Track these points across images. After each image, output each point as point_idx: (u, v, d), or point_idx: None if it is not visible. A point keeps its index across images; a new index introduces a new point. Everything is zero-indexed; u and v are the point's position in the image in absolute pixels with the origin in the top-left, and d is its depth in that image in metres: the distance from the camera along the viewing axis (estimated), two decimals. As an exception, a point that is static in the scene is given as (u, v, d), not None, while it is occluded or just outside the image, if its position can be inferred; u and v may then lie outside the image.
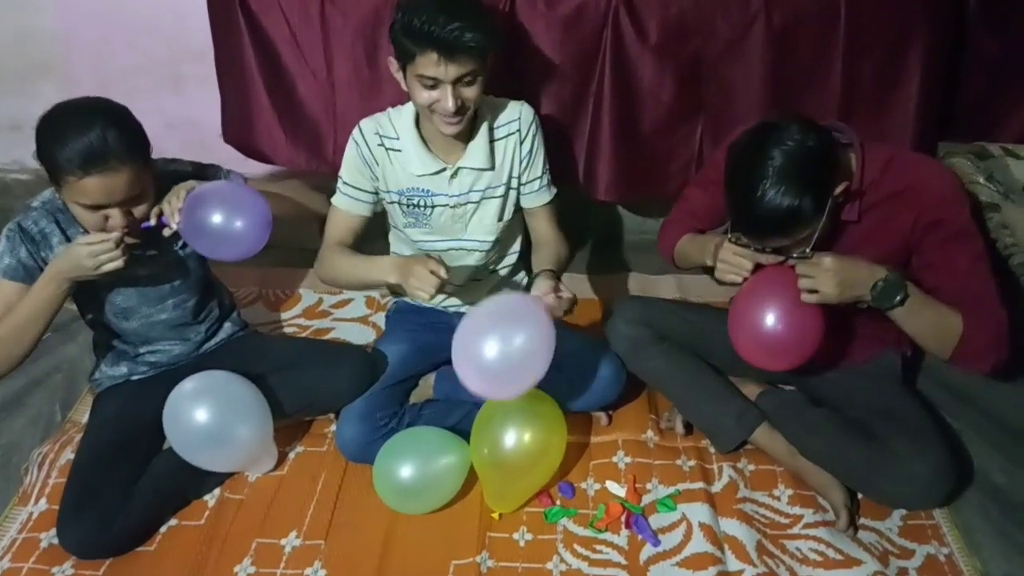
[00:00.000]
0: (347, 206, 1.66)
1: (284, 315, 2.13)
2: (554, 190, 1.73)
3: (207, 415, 1.47)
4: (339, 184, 1.66)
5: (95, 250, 1.34)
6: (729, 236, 1.43)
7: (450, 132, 1.52)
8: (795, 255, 1.38)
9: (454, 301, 1.80)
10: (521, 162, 1.65)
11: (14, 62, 2.29)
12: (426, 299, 1.45)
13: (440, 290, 1.44)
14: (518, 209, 1.73)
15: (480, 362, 1.35)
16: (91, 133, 1.29)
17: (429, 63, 1.41)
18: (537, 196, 1.70)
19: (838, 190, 1.34)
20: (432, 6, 1.38)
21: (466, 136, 1.60)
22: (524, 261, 1.85)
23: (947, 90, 1.98)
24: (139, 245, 1.49)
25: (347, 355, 1.72)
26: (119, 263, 1.37)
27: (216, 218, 1.42)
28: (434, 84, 1.44)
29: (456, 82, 1.43)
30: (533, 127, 1.64)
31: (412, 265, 1.46)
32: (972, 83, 2.00)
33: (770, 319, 1.40)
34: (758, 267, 1.42)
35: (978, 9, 1.91)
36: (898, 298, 1.37)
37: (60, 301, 1.42)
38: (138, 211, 1.40)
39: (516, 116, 1.63)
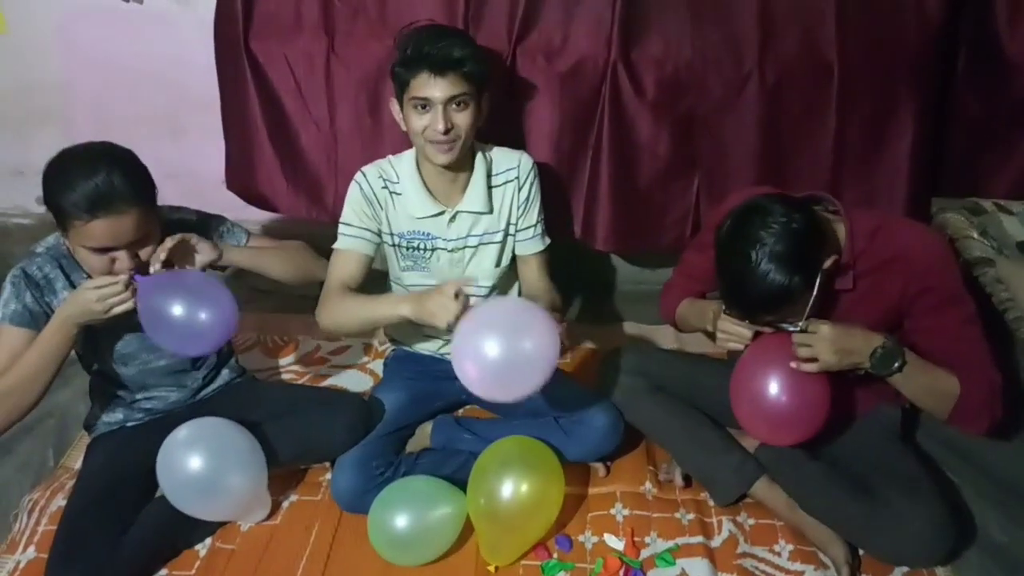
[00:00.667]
0: (350, 246, 1.65)
1: (281, 361, 2.12)
2: (547, 240, 1.75)
3: (200, 463, 1.46)
4: (340, 229, 1.67)
5: (104, 293, 1.35)
6: (724, 310, 1.46)
7: (442, 161, 1.55)
8: (790, 327, 1.40)
9: (448, 347, 1.79)
10: (518, 208, 1.68)
11: (17, 110, 2.33)
12: (443, 325, 1.40)
13: (460, 314, 1.38)
14: (515, 256, 1.75)
15: (482, 352, 1.32)
16: (97, 177, 1.30)
17: (421, 84, 1.48)
18: (530, 244, 1.73)
19: (827, 264, 1.35)
20: (425, 32, 1.51)
21: (464, 180, 1.63)
22: None
23: (936, 146, 2.03)
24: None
25: (343, 403, 1.71)
26: (129, 304, 1.37)
27: (177, 309, 1.38)
28: (426, 105, 1.49)
29: (447, 103, 1.48)
30: (531, 175, 1.68)
31: (430, 293, 1.44)
32: (959, 141, 2.05)
33: (773, 389, 1.43)
34: (758, 333, 1.45)
35: (965, 71, 1.97)
36: (896, 365, 1.39)
37: (69, 347, 1.42)
38: (144, 253, 1.41)
39: (515, 164, 1.67)
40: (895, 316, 1.47)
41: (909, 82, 1.88)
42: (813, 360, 1.38)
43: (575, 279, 2.18)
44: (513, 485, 1.46)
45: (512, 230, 1.70)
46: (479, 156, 1.64)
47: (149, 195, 1.39)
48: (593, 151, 1.95)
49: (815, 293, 1.34)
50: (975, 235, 1.88)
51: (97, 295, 1.35)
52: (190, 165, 2.25)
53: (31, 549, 1.53)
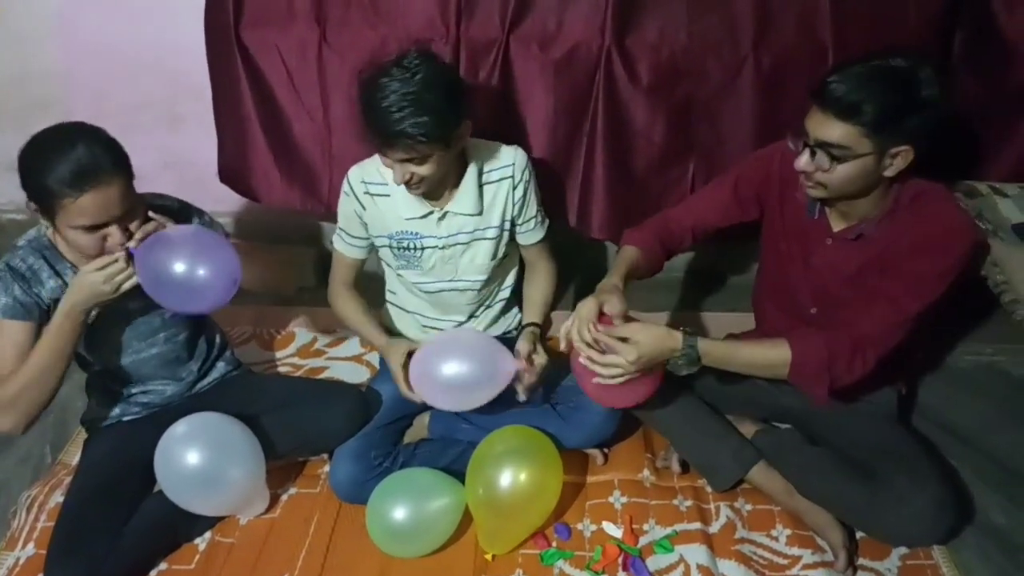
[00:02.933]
0: (343, 250, 1.72)
1: (278, 354, 2.12)
2: (547, 222, 1.76)
3: (198, 458, 1.46)
4: (337, 230, 1.71)
5: (110, 272, 1.35)
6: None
7: (415, 195, 1.56)
8: (817, 171, 1.34)
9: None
10: (515, 206, 1.67)
11: (14, 101, 2.31)
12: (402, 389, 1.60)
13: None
14: (511, 244, 1.74)
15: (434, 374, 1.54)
16: (77, 151, 1.28)
17: (377, 145, 1.46)
18: (532, 234, 1.74)
19: (897, 149, 1.31)
20: (384, 92, 1.38)
21: (454, 180, 1.61)
22: (516, 296, 1.86)
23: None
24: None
25: (341, 394, 1.71)
26: (135, 279, 1.37)
27: (178, 266, 1.38)
28: (387, 156, 1.47)
29: (403, 161, 1.45)
30: (526, 172, 1.66)
31: (397, 370, 1.61)
32: (956, 123, 2.04)
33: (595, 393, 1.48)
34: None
35: (962, 54, 1.95)
36: (684, 372, 1.42)
37: (78, 335, 1.41)
38: (132, 227, 1.38)
39: (510, 162, 1.64)
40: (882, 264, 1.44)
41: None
42: (615, 367, 1.38)
43: (571, 266, 2.17)
44: (511, 474, 1.46)
45: (507, 226, 1.69)
46: (470, 154, 1.62)
47: (127, 165, 1.37)
48: (588, 138, 1.94)
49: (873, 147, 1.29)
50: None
51: (103, 276, 1.35)
52: (188, 154, 2.23)
53: (30, 546, 1.54)
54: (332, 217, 1.74)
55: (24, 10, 2.17)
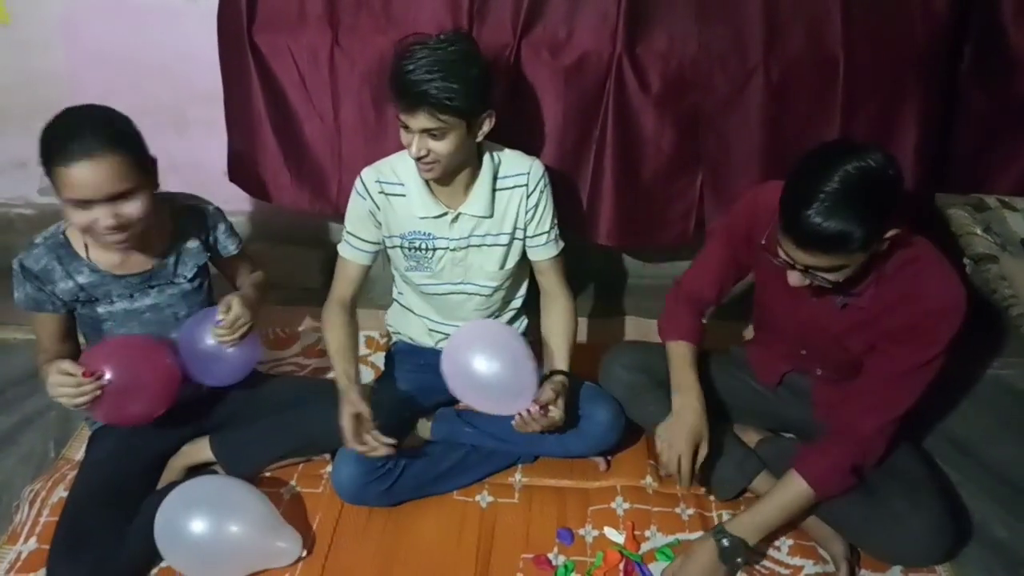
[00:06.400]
0: (350, 255, 1.69)
1: (283, 353, 2.13)
2: (561, 244, 1.74)
3: (199, 529, 1.40)
4: (344, 234, 1.70)
5: (67, 392, 1.33)
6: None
7: (426, 177, 1.56)
8: (816, 283, 1.32)
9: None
10: (527, 214, 1.66)
11: (21, 102, 2.32)
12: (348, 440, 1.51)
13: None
14: (524, 259, 1.74)
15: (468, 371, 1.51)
16: (78, 122, 1.33)
17: (401, 108, 1.46)
18: (544, 250, 1.71)
19: (890, 233, 1.26)
20: (414, 57, 1.41)
21: (468, 182, 1.62)
22: (526, 307, 1.85)
23: (941, 143, 2.02)
24: (145, 275, 1.51)
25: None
26: (74, 403, 1.34)
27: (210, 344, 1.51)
28: (407, 128, 1.47)
29: (421, 132, 1.45)
30: (542, 183, 1.66)
31: (346, 424, 1.51)
32: (965, 137, 2.04)
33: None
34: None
35: (971, 66, 1.96)
36: (744, 561, 1.45)
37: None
38: (127, 209, 1.36)
39: (525, 170, 1.64)
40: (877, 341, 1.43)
41: (915, 77, 1.87)
42: None
43: (577, 273, 2.18)
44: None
45: (519, 235, 1.69)
46: (486, 157, 1.62)
47: (130, 145, 1.36)
48: (597, 145, 1.94)
49: (862, 258, 1.26)
50: (979, 231, 1.86)
51: (58, 389, 1.33)
52: (193, 158, 2.24)
53: (32, 540, 1.54)
54: (339, 218, 1.74)
55: (31, 15, 2.20)
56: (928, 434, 1.80)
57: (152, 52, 2.18)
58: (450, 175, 1.58)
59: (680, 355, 1.58)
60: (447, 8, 1.86)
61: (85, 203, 1.32)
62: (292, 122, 2.00)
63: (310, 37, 1.92)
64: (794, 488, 1.43)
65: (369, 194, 1.63)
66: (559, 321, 1.71)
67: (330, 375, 2.00)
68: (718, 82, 1.88)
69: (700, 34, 1.85)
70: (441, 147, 1.47)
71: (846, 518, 1.50)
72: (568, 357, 1.67)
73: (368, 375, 2.03)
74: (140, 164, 1.37)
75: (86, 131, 1.30)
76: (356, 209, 1.66)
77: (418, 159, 1.49)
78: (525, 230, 1.68)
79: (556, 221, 1.71)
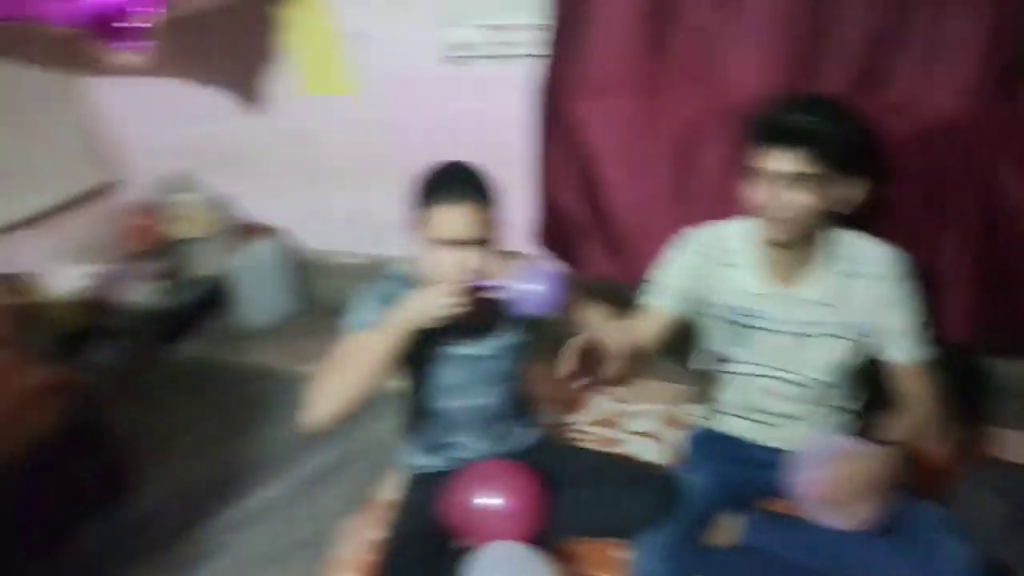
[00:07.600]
0: (658, 303, 1.60)
1: (574, 419, 2.09)
2: (926, 351, 1.51)
3: None
4: (650, 285, 1.63)
5: (444, 296, 1.38)
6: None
7: (773, 236, 1.44)
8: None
9: (766, 433, 1.64)
10: (876, 307, 1.48)
11: (358, 162, 2.63)
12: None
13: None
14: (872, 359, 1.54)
15: None
16: (455, 171, 1.46)
17: (771, 155, 1.37)
18: (898, 352, 1.50)
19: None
20: (793, 99, 1.39)
21: (807, 261, 1.48)
22: (858, 409, 1.65)
23: None
24: (486, 325, 1.55)
25: (650, 479, 1.62)
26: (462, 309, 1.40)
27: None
28: (773, 179, 1.37)
29: (793, 179, 1.35)
30: (897, 272, 1.48)
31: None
32: None
33: None
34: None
35: None
36: None
37: (393, 349, 1.42)
38: (483, 264, 1.43)
39: (874, 256, 1.48)
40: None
41: None
42: None
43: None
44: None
45: (864, 330, 1.50)
46: (832, 239, 1.48)
47: (492, 202, 1.45)
48: (948, 221, 1.68)
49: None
50: None
51: (435, 295, 1.38)
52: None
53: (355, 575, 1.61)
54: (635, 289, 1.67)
55: (368, 84, 2.52)
56: None
57: (467, 117, 2.38)
58: (799, 243, 1.45)
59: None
60: (775, 72, 1.72)
61: (453, 243, 1.41)
62: (601, 190, 2.00)
63: (625, 105, 1.91)
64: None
65: (706, 249, 1.56)
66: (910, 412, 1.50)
67: (622, 448, 1.92)
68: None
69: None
70: (804, 199, 1.37)
71: None
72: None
73: (663, 454, 1.90)
74: (495, 216, 1.46)
75: (458, 176, 1.44)
76: (679, 261, 1.59)
77: (781, 212, 1.39)
78: (873, 325, 1.49)
79: (923, 322, 1.50)
